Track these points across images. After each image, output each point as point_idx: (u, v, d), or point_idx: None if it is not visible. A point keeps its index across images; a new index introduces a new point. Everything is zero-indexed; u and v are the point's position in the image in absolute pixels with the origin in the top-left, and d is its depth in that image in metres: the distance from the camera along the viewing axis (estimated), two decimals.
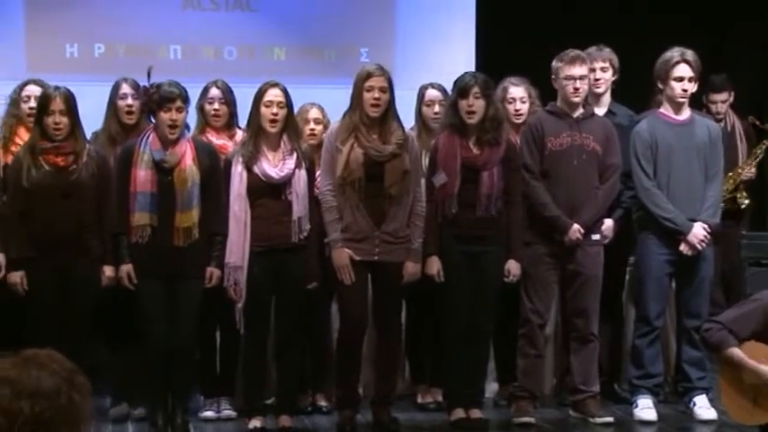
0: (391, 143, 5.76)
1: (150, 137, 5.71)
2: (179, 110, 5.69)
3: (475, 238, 5.86)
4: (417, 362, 6.51)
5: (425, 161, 6.06)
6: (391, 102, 5.80)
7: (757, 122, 7.41)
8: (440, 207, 5.86)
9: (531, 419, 6.02)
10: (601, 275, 6.09)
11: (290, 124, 5.83)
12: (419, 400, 6.43)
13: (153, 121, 5.78)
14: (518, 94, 6.47)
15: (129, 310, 5.75)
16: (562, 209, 6.00)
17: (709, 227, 6.07)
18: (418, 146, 5.98)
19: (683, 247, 6.04)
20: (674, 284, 6.28)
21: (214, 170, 5.78)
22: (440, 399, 6.31)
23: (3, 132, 6.29)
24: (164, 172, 5.68)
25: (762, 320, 5.01)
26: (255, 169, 5.73)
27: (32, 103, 6.21)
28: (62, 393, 2.23)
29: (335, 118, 5.99)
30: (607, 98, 6.52)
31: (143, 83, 5.97)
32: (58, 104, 5.71)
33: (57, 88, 5.81)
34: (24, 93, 6.35)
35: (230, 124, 6.32)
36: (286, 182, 5.75)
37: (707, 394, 6.12)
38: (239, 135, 6.17)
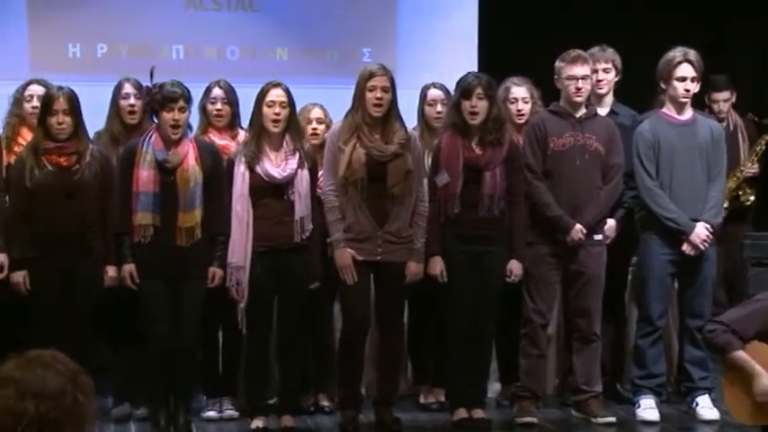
0: (394, 143, 5.76)
1: (153, 137, 5.72)
2: (181, 110, 5.69)
3: (477, 239, 5.86)
4: (420, 362, 6.51)
5: (428, 161, 6.06)
6: (394, 101, 5.80)
7: (756, 118, 7.41)
8: (442, 207, 5.86)
9: (534, 419, 6.02)
10: (603, 275, 6.09)
11: (293, 124, 5.83)
12: (422, 400, 6.43)
13: (155, 120, 5.78)
14: (520, 94, 6.47)
15: (131, 310, 5.76)
16: (564, 209, 6.00)
17: (712, 227, 6.07)
18: (421, 146, 5.98)
19: (685, 248, 6.04)
20: (676, 284, 6.28)
21: (217, 170, 5.78)
22: (442, 399, 6.31)
23: (5, 132, 6.29)
24: (166, 172, 5.68)
25: (765, 320, 5.00)
26: (258, 169, 5.73)
27: (35, 103, 6.22)
28: (67, 393, 2.23)
29: (338, 118, 5.98)
30: (610, 98, 6.52)
31: (146, 83, 5.97)
32: (61, 104, 5.72)
33: (60, 88, 5.81)
34: (27, 92, 6.36)
35: (233, 124, 6.32)
36: (288, 182, 5.75)
37: (709, 394, 6.12)
38: (242, 135, 6.17)
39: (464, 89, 5.88)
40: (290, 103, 5.80)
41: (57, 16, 8.35)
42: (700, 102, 6.71)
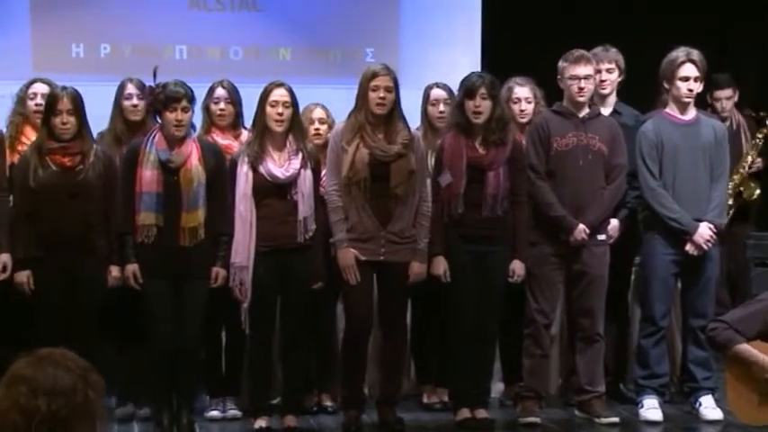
0: (397, 143, 5.76)
1: (156, 137, 5.72)
2: (185, 110, 5.69)
3: (481, 238, 5.86)
4: (423, 362, 6.51)
5: (431, 161, 6.06)
6: (397, 101, 5.80)
7: (753, 114, 7.41)
8: (446, 207, 5.86)
9: (537, 419, 6.02)
10: (606, 275, 6.08)
11: (296, 124, 5.83)
12: (425, 400, 6.43)
13: (159, 120, 5.78)
14: (523, 94, 6.47)
15: (134, 310, 5.76)
16: (568, 209, 6.00)
17: (715, 227, 6.07)
18: (424, 146, 5.98)
19: (688, 248, 6.04)
20: (679, 284, 6.27)
21: (220, 170, 5.78)
22: (445, 399, 6.31)
23: (9, 131, 6.29)
24: (169, 172, 5.68)
25: (767, 320, 5.01)
26: (261, 169, 5.73)
27: (39, 101, 6.22)
28: (78, 391, 2.25)
29: (341, 118, 5.98)
30: (613, 98, 6.52)
31: (149, 83, 5.98)
32: (65, 104, 5.72)
33: (64, 88, 5.82)
34: (31, 90, 6.37)
35: (236, 124, 6.33)
36: (291, 182, 5.75)
37: (713, 394, 6.12)
38: (245, 135, 6.17)
39: (467, 89, 5.88)
40: (294, 104, 5.80)
41: (60, 16, 8.35)
42: (702, 101, 6.71)
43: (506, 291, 5.97)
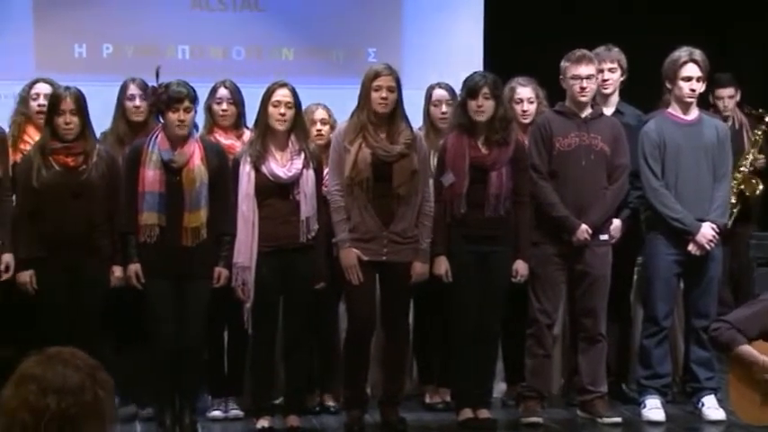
0: (399, 143, 5.76)
1: (159, 137, 5.72)
2: (187, 110, 5.69)
3: (483, 238, 5.86)
4: (425, 362, 6.52)
5: (434, 161, 6.06)
6: (399, 101, 5.80)
7: (754, 111, 7.41)
8: (448, 207, 5.86)
9: (539, 419, 6.02)
10: (609, 275, 6.08)
11: (298, 124, 5.83)
12: (427, 400, 6.43)
13: (161, 121, 5.78)
14: (525, 94, 6.47)
15: (137, 310, 5.76)
16: (570, 209, 6.00)
17: (718, 227, 6.07)
18: (426, 146, 5.98)
19: (691, 248, 6.03)
20: (682, 284, 6.27)
21: (222, 170, 5.78)
22: (448, 399, 6.32)
23: (12, 131, 6.30)
24: (172, 172, 5.68)
25: None
26: (263, 169, 5.73)
27: (41, 101, 6.23)
28: (87, 389, 2.25)
29: (344, 118, 5.98)
30: (615, 98, 6.52)
31: (151, 83, 5.98)
32: (68, 104, 5.72)
33: (67, 88, 5.82)
34: (34, 90, 6.37)
35: (238, 124, 6.33)
36: (294, 182, 5.75)
37: (715, 394, 6.11)
38: (247, 135, 6.17)
39: (470, 89, 5.88)
40: (296, 104, 5.80)
41: (62, 16, 8.36)
42: (705, 100, 6.71)
43: (509, 291, 5.97)
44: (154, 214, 5.65)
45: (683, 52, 6.13)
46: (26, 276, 5.76)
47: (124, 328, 5.95)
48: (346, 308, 6.04)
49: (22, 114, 6.38)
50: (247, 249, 5.73)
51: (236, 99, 6.30)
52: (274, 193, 5.76)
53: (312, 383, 6.23)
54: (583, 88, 6.05)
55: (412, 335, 6.25)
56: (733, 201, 6.86)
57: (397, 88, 5.79)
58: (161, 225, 5.66)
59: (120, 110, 6.29)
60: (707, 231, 6.03)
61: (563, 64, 6.13)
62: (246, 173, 5.74)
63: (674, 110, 6.18)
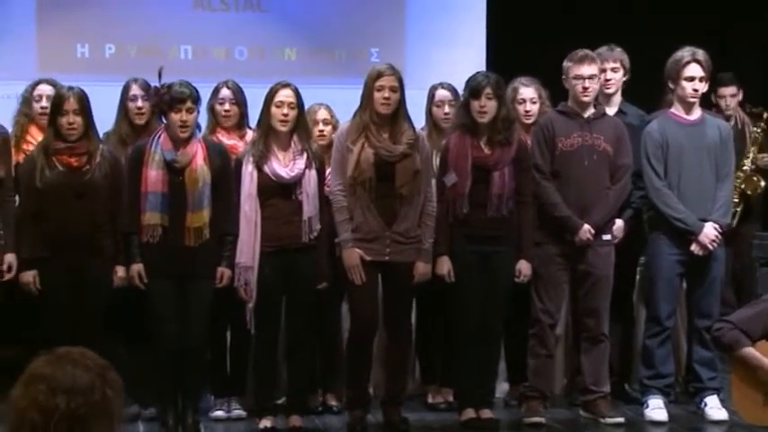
0: (402, 143, 5.76)
1: (161, 137, 5.72)
2: (189, 111, 5.69)
3: (486, 238, 5.86)
4: (428, 362, 6.51)
5: (436, 161, 6.06)
6: (402, 101, 5.80)
7: (753, 109, 7.40)
8: (451, 207, 5.86)
9: (542, 419, 6.02)
10: (611, 276, 6.08)
11: (301, 124, 5.83)
12: (429, 400, 6.43)
13: (164, 121, 5.78)
14: (528, 94, 6.47)
15: (139, 310, 5.76)
16: (573, 209, 6.00)
17: (721, 227, 6.07)
18: (429, 146, 5.98)
19: (694, 248, 6.03)
20: (684, 285, 6.27)
21: (225, 170, 5.78)
22: (450, 399, 6.31)
23: (14, 131, 6.31)
24: (175, 172, 5.69)
25: None
26: (266, 169, 5.73)
27: (44, 103, 6.24)
28: (96, 389, 2.26)
29: (346, 118, 5.98)
30: (618, 98, 6.52)
31: (154, 83, 5.98)
32: (71, 104, 5.72)
33: (70, 88, 5.82)
34: (36, 92, 6.38)
35: (241, 124, 6.33)
36: (296, 182, 5.76)
37: (718, 394, 6.11)
38: (250, 135, 6.17)
39: (473, 89, 5.88)
40: (299, 104, 5.80)
41: (65, 16, 8.36)
42: (707, 99, 6.70)
43: (511, 291, 5.97)
44: (157, 214, 5.65)
45: (685, 52, 6.13)
46: (29, 276, 5.76)
47: (127, 329, 5.95)
48: (349, 308, 6.04)
49: (25, 115, 6.39)
50: (250, 249, 5.73)
51: (239, 99, 6.30)
52: (277, 193, 5.76)
53: (314, 383, 6.23)
54: (585, 88, 6.05)
55: (414, 335, 6.25)
56: (735, 200, 6.86)
57: (400, 88, 5.79)
58: (164, 225, 5.66)
59: (123, 110, 6.29)
60: (709, 231, 6.02)
61: (565, 64, 6.13)
62: (249, 173, 5.74)
63: (676, 110, 6.18)
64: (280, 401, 6.00)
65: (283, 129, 5.76)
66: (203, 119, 6.19)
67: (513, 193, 5.89)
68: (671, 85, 6.18)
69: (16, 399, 2.25)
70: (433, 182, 5.92)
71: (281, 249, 5.73)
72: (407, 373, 6.24)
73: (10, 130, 6.23)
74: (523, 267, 5.96)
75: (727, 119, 7.01)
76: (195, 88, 5.76)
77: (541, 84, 6.54)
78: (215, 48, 8.54)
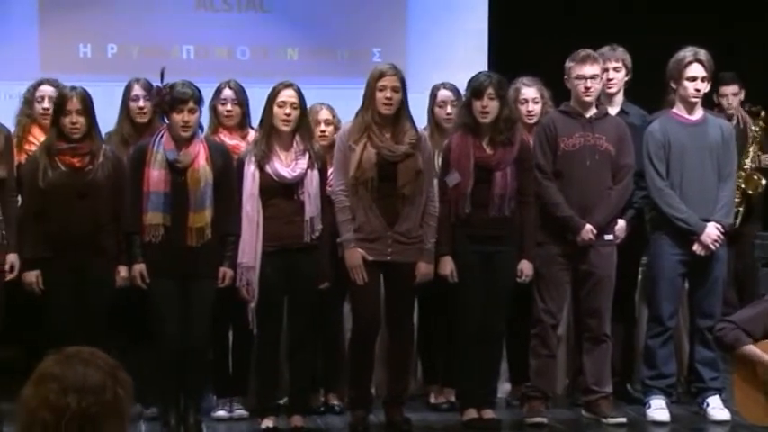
0: (404, 143, 5.76)
1: (164, 137, 5.72)
2: (191, 111, 5.69)
3: (488, 239, 5.86)
4: (430, 362, 6.51)
5: (438, 161, 6.06)
6: (404, 101, 5.80)
7: (753, 107, 7.40)
8: (453, 207, 5.86)
9: (544, 420, 6.02)
10: (614, 276, 6.08)
11: (303, 125, 5.83)
12: (432, 400, 6.43)
13: (166, 121, 5.79)
14: (530, 94, 6.47)
15: (141, 309, 5.77)
16: (575, 209, 6.00)
17: (723, 227, 6.06)
18: (431, 146, 5.98)
19: (696, 248, 6.03)
20: (686, 285, 6.27)
21: (227, 170, 5.78)
22: (452, 399, 6.31)
23: (16, 131, 6.31)
24: (177, 172, 5.69)
25: None
26: (268, 169, 5.73)
27: (46, 104, 6.25)
28: (107, 388, 2.26)
29: (349, 118, 5.98)
30: (620, 98, 6.51)
31: (156, 83, 5.98)
32: (74, 104, 5.72)
33: (73, 88, 5.82)
34: (38, 93, 6.38)
35: (243, 124, 6.33)
36: (298, 182, 5.76)
37: (720, 395, 6.11)
38: (252, 135, 6.17)
39: (475, 89, 5.88)
40: (302, 105, 5.80)
41: (67, 17, 8.38)
42: (708, 99, 6.71)
43: (513, 291, 5.97)
44: (159, 214, 5.65)
45: (687, 52, 6.13)
46: (32, 276, 5.76)
47: (129, 328, 5.95)
48: (351, 308, 6.04)
49: (27, 116, 6.39)
50: (252, 249, 5.73)
51: (241, 99, 6.30)
52: (279, 193, 5.76)
53: (316, 383, 6.23)
54: (587, 88, 6.05)
55: (416, 335, 6.25)
56: (737, 200, 6.86)
57: (402, 88, 5.79)
58: (166, 225, 5.66)
59: (125, 110, 6.29)
60: (711, 231, 6.02)
61: (567, 64, 6.13)
62: (251, 173, 5.74)
63: (678, 110, 6.17)
64: (282, 401, 6.01)
65: (286, 129, 5.76)
66: (205, 119, 6.19)
67: (515, 193, 5.89)
68: (673, 85, 6.17)
69: (27, 398, 2.26)
70: (435, 182, 5.92)
71: (283, 249, 5.74)
72: (409, 373, 6.24)
73: (12, 130, 6.24)
74: (525, 267, 5.96)
75: (729, 118, 7.01)
76: (197, 88, 5.76)
77: (544, 84, 6.54)
78: (217, 48, 8.55)
